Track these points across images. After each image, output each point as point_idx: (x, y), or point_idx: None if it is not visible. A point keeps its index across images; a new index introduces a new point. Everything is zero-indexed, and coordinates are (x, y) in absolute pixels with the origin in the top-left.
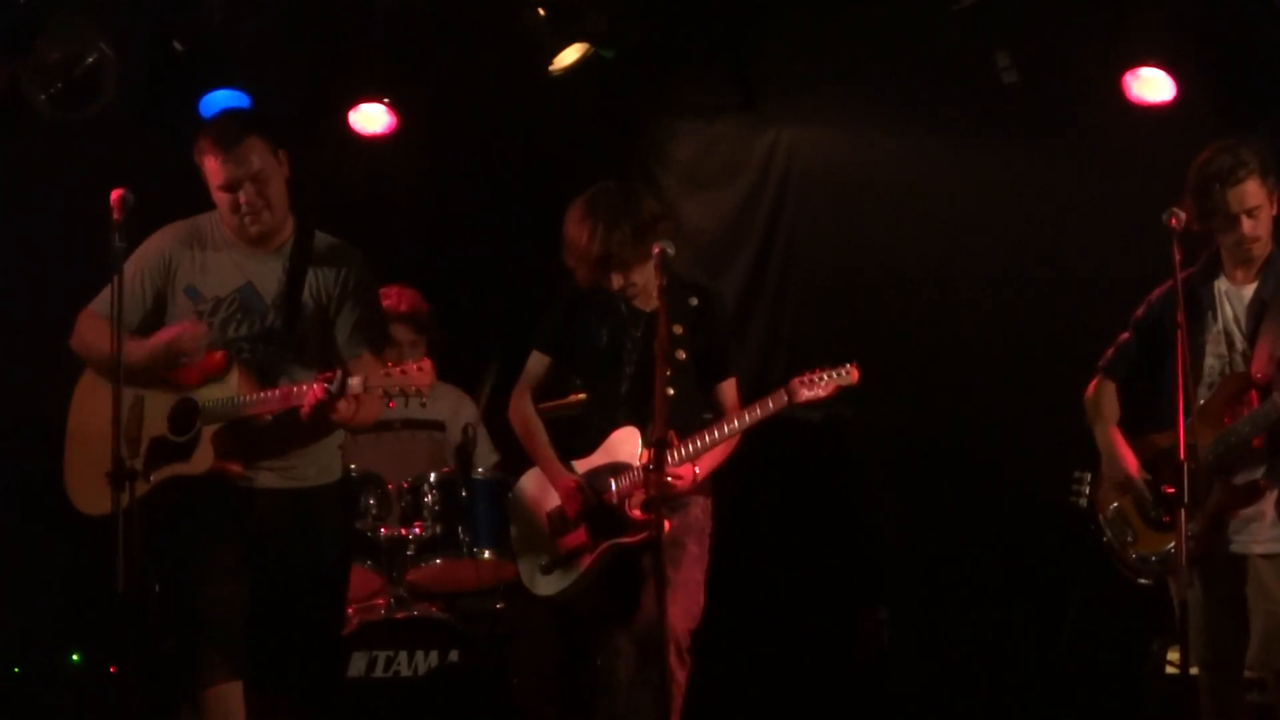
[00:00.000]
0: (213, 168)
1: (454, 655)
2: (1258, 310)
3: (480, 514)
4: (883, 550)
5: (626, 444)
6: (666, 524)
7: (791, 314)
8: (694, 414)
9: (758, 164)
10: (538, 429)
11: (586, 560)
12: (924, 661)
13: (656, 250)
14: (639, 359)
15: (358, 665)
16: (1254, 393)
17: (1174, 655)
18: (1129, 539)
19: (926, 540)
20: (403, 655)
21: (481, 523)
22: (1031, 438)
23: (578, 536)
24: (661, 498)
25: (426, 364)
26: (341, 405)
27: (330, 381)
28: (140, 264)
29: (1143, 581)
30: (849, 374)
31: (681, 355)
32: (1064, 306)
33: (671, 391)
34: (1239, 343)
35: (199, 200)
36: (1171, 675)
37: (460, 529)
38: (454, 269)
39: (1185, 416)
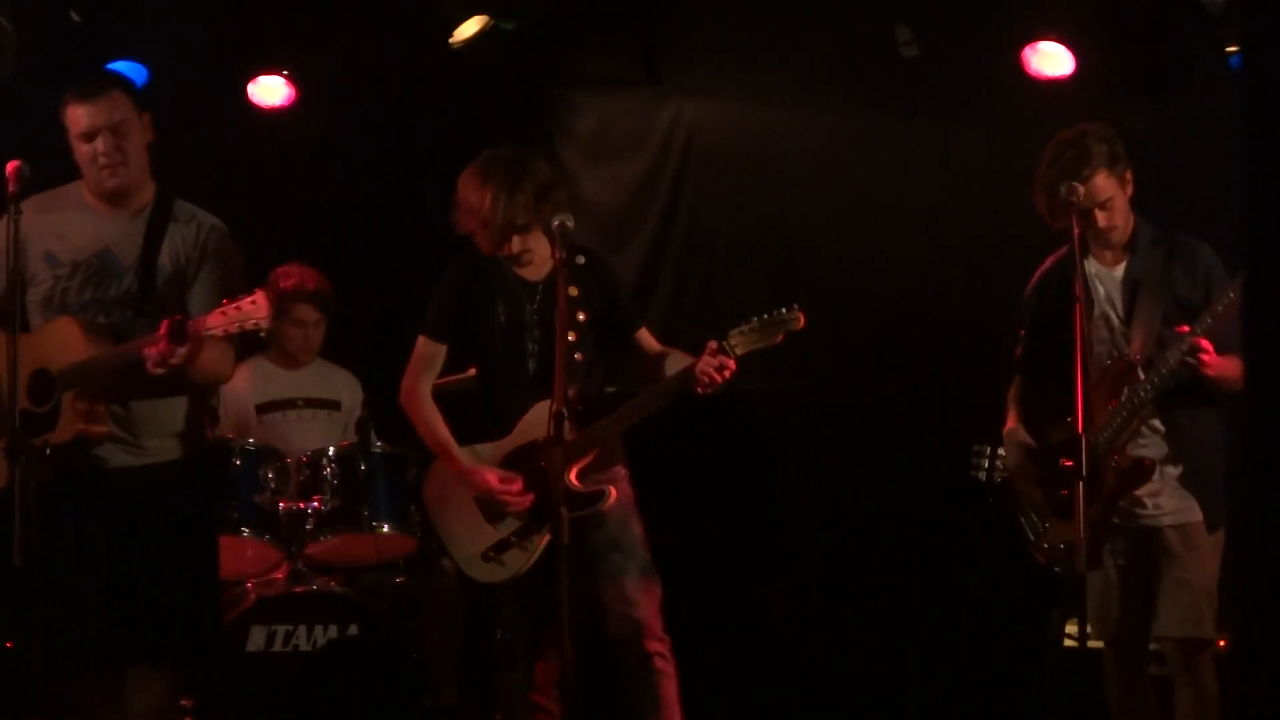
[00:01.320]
0: (73, 116)
1: (354, 629)
2: (1131, 290)
3: (380, 487)
4: (787, 522)
5: (545, 419)
6: (613, 493)
7: (695, 289)
8: (600, 377)
9: (660, 137)
10: (437, 421)
11: (535, 540)
12: (826, 633)
13: (556, 223)
14: (541, 333)
15: (256, 640)
16: (1136, 374)
17: (1072, 629)
18: (1041, 529)
19: (831, 513)
20: (302, 629)
21: (381, 496)
22: (935, 409)
23: (521, 515)
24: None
25: (259, 296)
26: (181, 350)
27: (171, 327)
28: None
29: (1059, 570)
30: (792, 317)
31: (581, 317)
32: (967, 278)
33: (579, 356)
34: (1117, 325)
35: None
36: (1070, 648)
37: (360, 503)
38: (355, 244)
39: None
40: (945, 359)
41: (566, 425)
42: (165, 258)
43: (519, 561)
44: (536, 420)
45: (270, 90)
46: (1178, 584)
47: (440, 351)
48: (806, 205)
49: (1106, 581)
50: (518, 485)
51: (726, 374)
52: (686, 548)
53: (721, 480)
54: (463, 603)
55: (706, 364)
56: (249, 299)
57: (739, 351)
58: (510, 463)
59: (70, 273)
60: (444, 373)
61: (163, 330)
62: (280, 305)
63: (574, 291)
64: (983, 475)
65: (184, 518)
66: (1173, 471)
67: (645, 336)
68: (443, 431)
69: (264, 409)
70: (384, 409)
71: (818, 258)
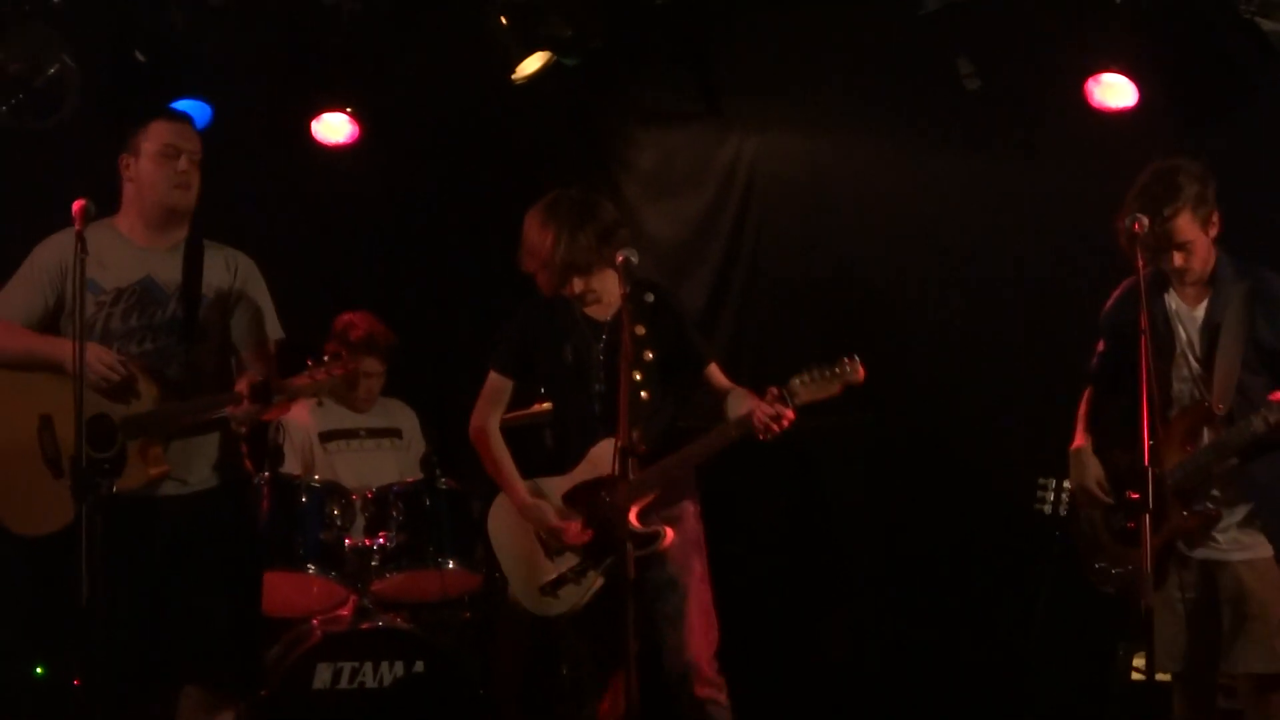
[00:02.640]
0: (157, 133)
1: (420, 666)
2: (1210, 335)
3: (445, 523)
4: (851, 554)
5: (608, 457)
6: (669, 533)
7: (757, 323)
8: (668, 416)
9: (721, 171)
10: (503, 454)
11: (592, 577)
12: (888, 668)
13: (620, 259)
14: (607, 373)
15: (323, 677)
16: (1216, 423)
17: (1139, 661)
18: (1095, 550)
19: (895, 544)
20: (368, 666)
21: (446, 532)
22: (999, 443)
23: (579, 552)
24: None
25: (346, 360)
26: (266, 409)
27: (255, 389)
28: (39, 268)
29: (1108, 591)
30: (853, 369)
31: (649, 355)
32: (1030, 312)
33: (645, 395)
34: (1195, 367)
35: None
36: (1137, 681)
37: (425, 539)
38: (417, 280)
39: (1150, 428)
40: (1009, 392)
41: (634, 465)
42: (206, 286)
43: (574, 597)
44: (600, 457)
45: (334, 128)
46: (1249, 619)
47: (507, 387)
48: (869, 240)
49: (1174, 614)
50: (577, 523)
51: (784, 423)
52: (747, 580)
53: (783, 513)
54: (528, 638)
55: (765, 412)
56: (337, 366)
57: (798, 401)
58: (572, 498)
59: (114, 299)
60: (518, 405)
61: (244, 389)
62: (347, 356)
63: (641, 330)
64: (1048, 509)
65: (228, 541)
66: (1242, 508)
67: (714, 372)
68: (508, 465)
69: (327, 437)
70: (449, 446)
71: (881, 292)
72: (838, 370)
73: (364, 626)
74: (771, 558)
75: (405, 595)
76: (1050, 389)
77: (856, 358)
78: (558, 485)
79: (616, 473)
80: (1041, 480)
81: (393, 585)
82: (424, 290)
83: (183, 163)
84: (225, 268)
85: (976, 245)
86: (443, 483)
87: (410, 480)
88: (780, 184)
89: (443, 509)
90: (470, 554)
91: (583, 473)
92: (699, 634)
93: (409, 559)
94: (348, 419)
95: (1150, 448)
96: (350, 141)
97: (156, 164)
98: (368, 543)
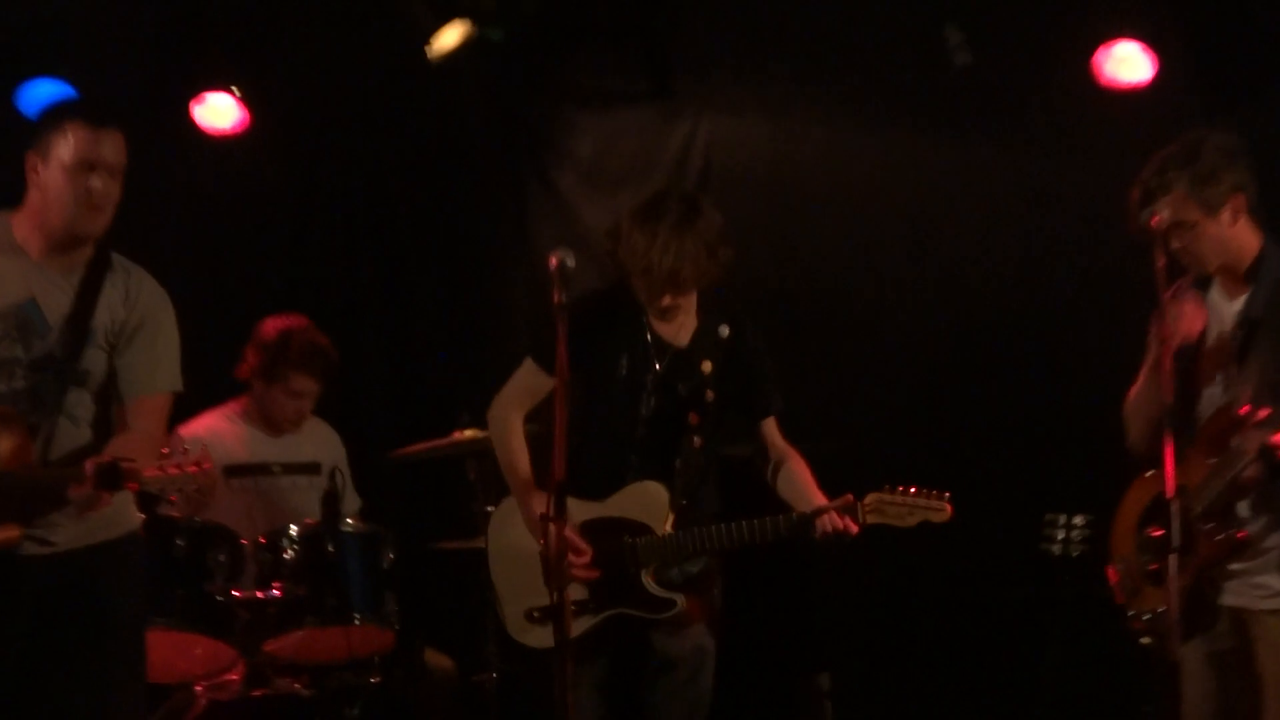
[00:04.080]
0: (76, 140)
1: None
2: (1246, 331)
3: (352, 572)
4: (824, 609)
5: (651, 504)
6: (682, 604)
7: None
8: (713, 469)
9: (672, 159)
10: (522, 455)
11: (585, 622)
12: None
13: (554, 262)
14: (659, 400)
15: None
16: (1244, 429)
17: None
18: (1129, 594)
19: (873, 596)
20: None
21: (354, 582)
22: (1000, 473)
23: (579, 591)
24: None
25: (206, 460)
26: (109, 497)
27: (100, 471)
28: None
29: (1144, 642)
30: (939, 508)
31: (709, 396)
32: (1030, 320)
33: (698, 442)
34: (1229, 368)
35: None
36: None
37: (328, 590)
38: (322, 286)
39: (1176, 451)
40: (1010, 413)
41: (670, 519)
42: (96, 321)
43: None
44: (637, 500)
45: (219, 112)
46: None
47: (544, 385)
48: (841, 237)
49: (1204, 670)
50: (587, 557)
51: (847, 539)
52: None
53: (750, 557)
54: (452, 707)
55: (833, 524)
56: (194, 463)
57: (870, 520)
58: (590, 530)
59: None
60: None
61: (89, 471)
62: (275, 370)
63: (707, 367)
64: (1056, 549)
65: (105, 613)
66: (1270, 551)
67: (771, 427)
68: (525, 468)
69: (235, 472)
70: (360, 477)
71: (856, 297)
72: (924, 503)
73: (256, 693)
74: (737, 606)
75: (305, 656)
76: (1054, 410)
77: (948, 496)
78: (580, 509)
79: (550, 511)
80: (1049, 516)
81: (290, 645)
82: (330, 297)
83: (97, 180)
84: (124, 299)
85: (967, 243)
86: (348, 524)
87: (310, 522)
88: (739, 173)
89: (348, 555)
90: (380, 607)
91: (612, 507)
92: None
93: (309, 614)
94: (263, 448)
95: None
96: (239, 129)
97: (68, 178)
98: (260, 595)
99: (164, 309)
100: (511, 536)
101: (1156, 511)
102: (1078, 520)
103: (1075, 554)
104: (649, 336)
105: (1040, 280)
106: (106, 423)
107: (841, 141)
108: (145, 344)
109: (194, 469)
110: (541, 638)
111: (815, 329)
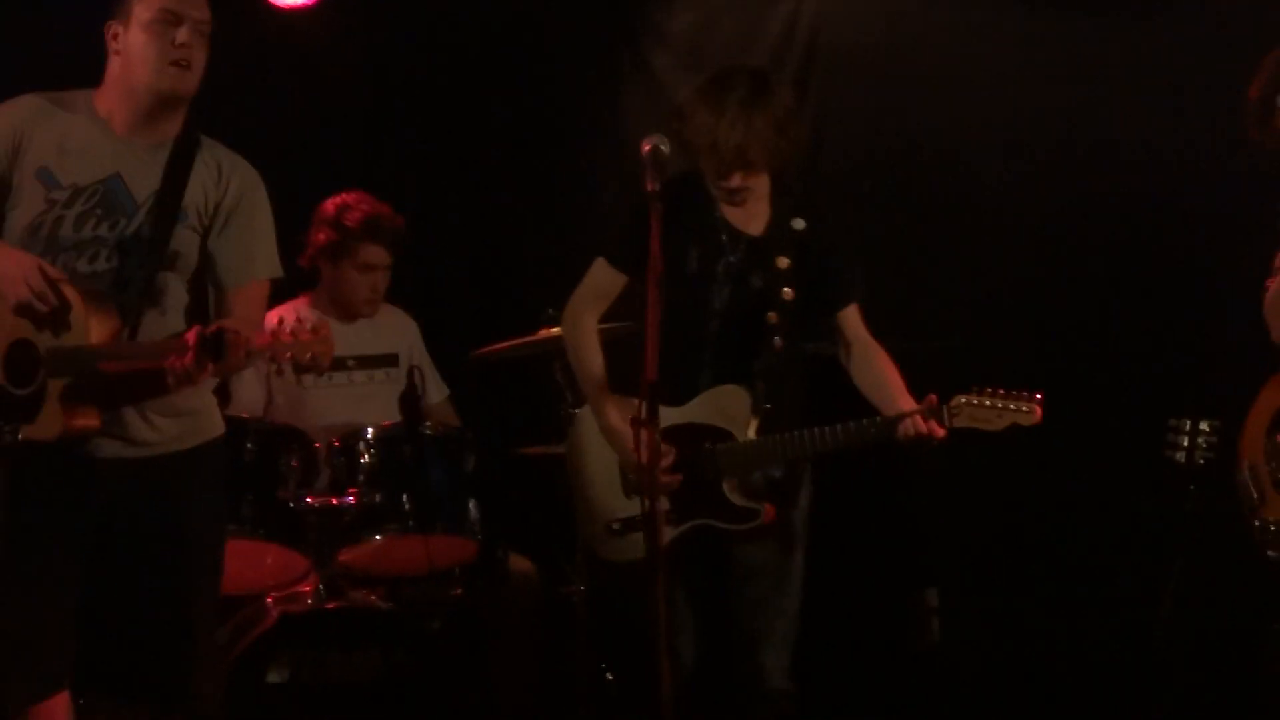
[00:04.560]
0: None
1: (400, 656)
2: None
3: (432, 478)
4: (930, 521)
5: (732, 408)
6: (770, 511)
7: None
8: (797, 371)
9: (775, 37)
10: (597, 359)
11: (666, 533)
12: (983, 658)
13: (647, 148)
14: (734, 291)
15: (280, 669)
16: None
17: None
18: (1255, 502)
19: (983, 507)
20: (336, 656)
21: (433, 489)
22: (1117, 375)
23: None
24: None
25: (324, 328)
26: (214, 368)
27: (204, 341)
28: None
29: (1271, 554)
30: (1029, 411)
31: (788, 294)
32: (1157, 214)
33: (778, 343)
34: None
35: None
36: None
37: (406, 497)
38: (399, 172)
39: None
40: (1128, 312)
41: (754, 425)
42: (188, 200)
43: (639, 549)
44: (717, 405)
45: None
46: None
47: (619, 283)
48: (958, 124)
49: None
50: (669, 461)
51: (932, 444)
52: (818, 557)
53: (847, 468)
54: (541, 623)
55: (917, 429)
56: (310, 328)
57: (956, 423)
58: (667, 436)
59: (69, 198)
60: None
61: (191, 340)
62: (340, 246)
63: (784, 262)
64: (1181, 456)
65: (184, 527)
66: None
67: (852, 317)
68: (600, 373)
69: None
70: (445, 374)
71: (970, 186)
72: (1013, 406)
73: (330, 606)
74: (833, 522)
75: (381, 567)
76: (1178, 307)
77: (1040, 398)
78: (661, 415)
79: (643, 415)
80: (1173, 421)
81: (366, 555)
82: (408, 185)
83: (183, 34)
84: (217, 180)
85: (1089, 133)
86: (428, 427)
87: (387, 424)
88: (849, 51)
89: (429, 460)
90: (463, 517)
91: (693, 412)
92: (779, 634)
93: (386, 522)
94: (338, 339)
95: None
96: (310, 1)
97: (151, 35)
98: (334, 502)
99: (259, 190)
100: (589, 444)
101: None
102: (1204, 426)
103: (1202, 462)
104: (720, 225)
105: (1161, 174)
106: (199, 312)
107: (962, 19)
108: (242, 227)
109: (309, 336)
110: (622, 550)
111: (922, 220)
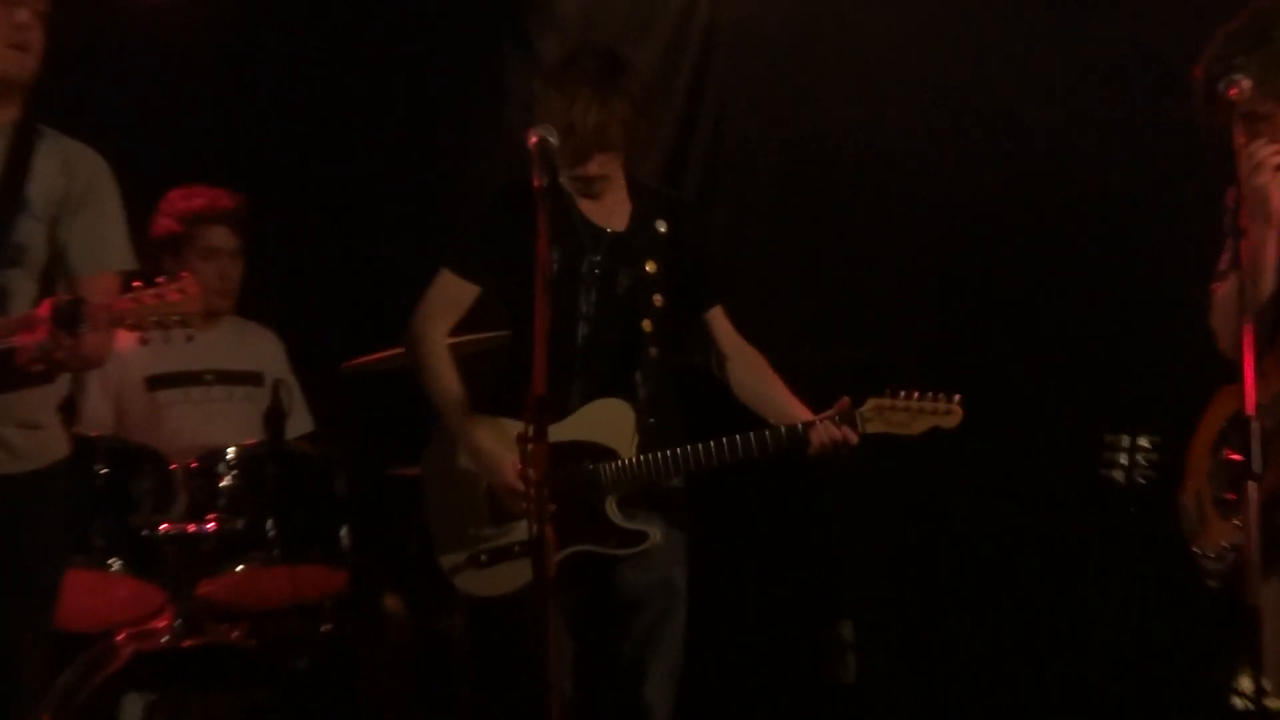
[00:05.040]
0: None
1: (263, 696)
2: None
3: (298, 502)
4: (844, 547)
5: (615, 424)
6: (655, 535)
7: (723, 213)
8: (672, 382)
9: (673, 15)
10: (452, 377)
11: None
12: (901, 694)
13: (533, 140)
14: (600, 295)
15: (132, 712)
16: None
17: (1246, 683)
18: (1199, 530)
19: (900, 530)
20: (194, 697)
21: (300, 514)
22: (1049, 385)
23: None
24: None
25: (189, 282)
26: (72, 343)
27: (59, 312)
28: None
29: (1211, 584)
30: (948, 413)
31: (658, 301)
32: (1096, 204)
33: (654, 352)
34: None
35: None
36: (1241, 710)
37: (271, 523)
38: (261, 166)
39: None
40: (1063, 316)
41: (636, 440)
42: (32, 189)
43: (512, 580)
44: (598, 420)
45: None
46: None
47: (469, 294)
48: (868, 103)
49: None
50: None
51: (844, 451)
52: (727, 585)
53: (757, 488)
54: (411, 657)
55: (830, 436)
56: (175, 285)
57: (869, 429)
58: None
59: None
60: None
61: (45, 312)
62: (180, 235)
63: (651, 267)
64: (1119, 475)
65: (23, 555)
66: None
67: (720, 318)
68: (457, 391)
69: (159, 383)
70: (311, 391)
71: (877, 176)
72: (930, 406)
73: (187, 643)
74: (753, 557)
75: (244, 600)
76: (1117, 313)
77: (958, 398)
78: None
79: (529, 432)
80: (1109, 438)
81: (227, 586)
82: (271, 179)
83: (22, 15)
84: (62, 166)
85: (1017, 112)
86: (294, 446)
87: (250, 443)
88: (751, 30)
89: (295, 481)
90: (331, 543)
91: (574, 428)
92: (664, 668)
93: (249, 551)
94: (190, 350)
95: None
96: None
97: None
98: (192, 529)
99: (108, 177)
100: (448, 467)
101: (1235, 431)
102: (1144, 442)
103: (1142, 481)
104: (579, 222)
105: (1099, 155)
106: None
107: None
108: (91, 217)
109: (176, 295)
110: (493, 582)
111: (831, 218)
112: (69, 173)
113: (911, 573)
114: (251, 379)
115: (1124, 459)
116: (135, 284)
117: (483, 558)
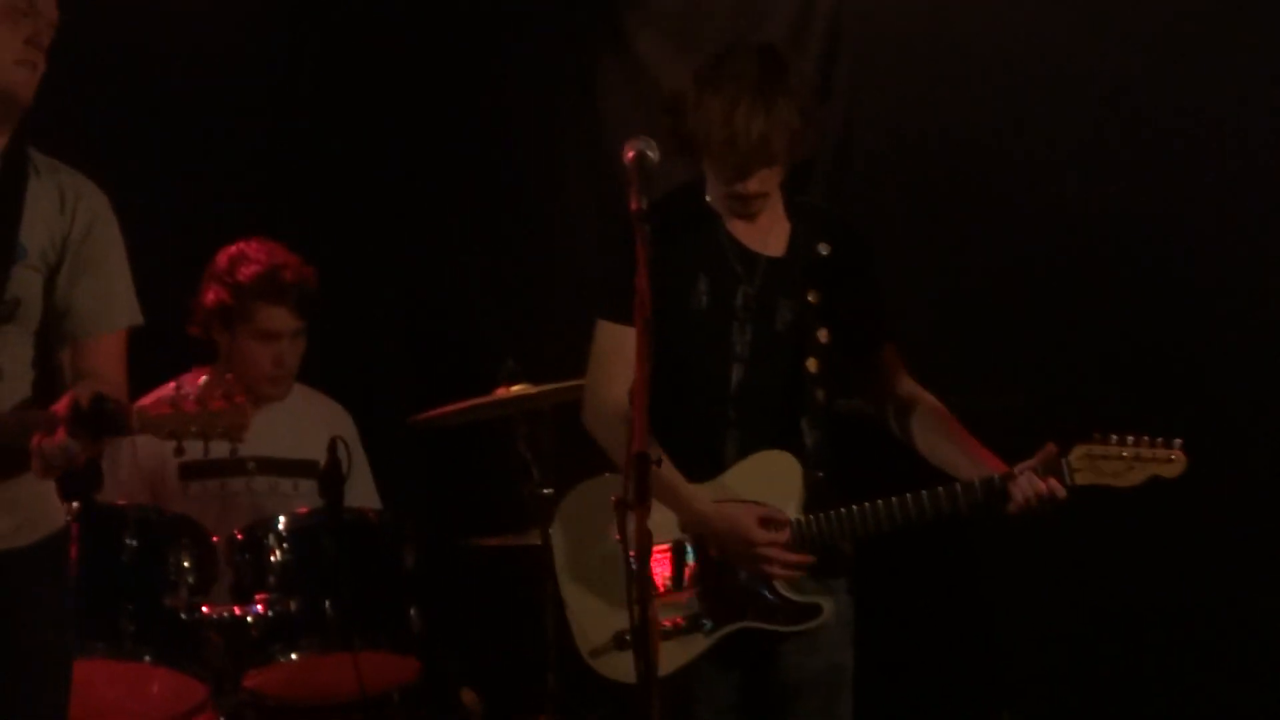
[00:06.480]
0: None
1: None
2: None
3: (360, 578)
4: (1005, 623)
5: (779, 479)
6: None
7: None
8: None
9: (791, 11)
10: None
11: (696, 644)
12: None
13: (630, 155)
14: (756, 331)
15: None
16: None
17: None
18: None
19: (1074, 607)
20: None
21: (363, 592)
22: (1228, 418)
23: (683, 604)
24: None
25: (237, 389)
26: (96, 447)
27: (79, 414)
28: None
29: None
30: (1168, 460)
31: (823, 337)
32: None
33: (821, 395)
34: None
35: None
36: None
37: (328, 604)
38: (313, 200)
39: None
40: (1237, 348)
41: (803, 498)
42: (27, 232)
43: (666, 662)
44: (759, 475)
45: None
46: None
47: (629, 337)
48: (1008, 114)
49: None
50: (782, 536)
51: (1050, 507)
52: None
53: (911, 557)
54: None
55: (1035, 491)
56: (220, 390)
57: (1078, 480)
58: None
59: None
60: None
61: (62, 411)
62: (235, 309)
63: (814, 297)
64: None
65: (24, 637)
66: None
67: (894, 357)
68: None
69: (192, 472)
70: (370, 451)
71: (1022, 188)
72: (1149, 453)
73: None
74: (907, 635)
75: (299, 693)
76: None
77: (1180, 443)
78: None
79: (631, 495)
80: None
81: (278, 678)
82: (325, 216)
83: (36, 31)
84: (60, 208)
85: (1156, 108)
86: (354, 514)
87: (303, 511)
88: (881, 26)
89: (357, 554)
90: (400, 626)
91: (732, 485)
92: None
93: (303, 636)
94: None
95: None
96: None
97: None
98: (238, 611)
99: (109, 216)
100: (591, 533)
101: None
102: None
103: None
104: (730, 246)
105: (1244, 147)
106: (46, 372)
107: None
108: (96, 264)
109: (220, 404)
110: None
111: (975, 212)
112: (68, 214)
113: (1084, 657)
114: (304, 469)
115: None
116: (174, 384)
117: (628, 637)
